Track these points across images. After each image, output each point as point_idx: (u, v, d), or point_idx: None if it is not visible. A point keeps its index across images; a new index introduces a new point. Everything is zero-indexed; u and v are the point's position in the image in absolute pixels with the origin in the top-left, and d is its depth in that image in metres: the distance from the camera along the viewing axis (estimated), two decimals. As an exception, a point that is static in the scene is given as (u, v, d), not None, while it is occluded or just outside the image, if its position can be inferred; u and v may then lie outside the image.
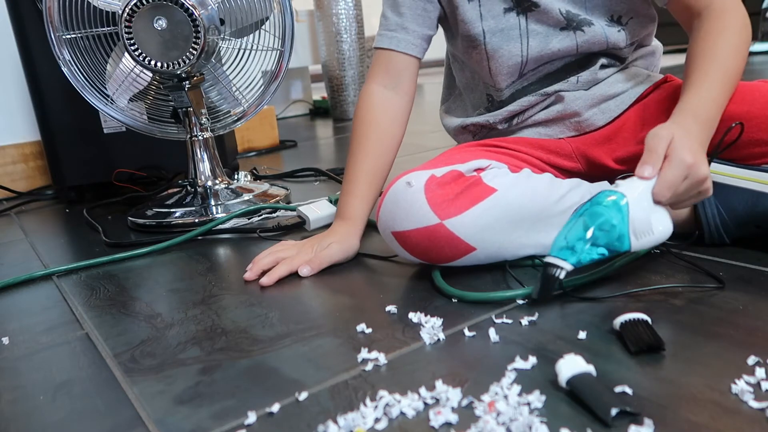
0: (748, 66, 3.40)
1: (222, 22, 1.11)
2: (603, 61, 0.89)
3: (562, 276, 0.64)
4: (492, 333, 0.62)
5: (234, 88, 1.23)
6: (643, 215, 0.65)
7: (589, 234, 0.64)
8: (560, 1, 0.86)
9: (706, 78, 0.73)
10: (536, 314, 0.66)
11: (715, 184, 0.78)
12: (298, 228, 1.08)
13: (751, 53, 4.19)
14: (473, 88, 0.98)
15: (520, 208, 0.75)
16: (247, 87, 1.23)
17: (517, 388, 0.52)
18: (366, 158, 0.90)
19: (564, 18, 0.85)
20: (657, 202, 0.66)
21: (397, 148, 0.93)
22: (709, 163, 0.77)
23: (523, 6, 0.86)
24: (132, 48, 1.07)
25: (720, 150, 0.76)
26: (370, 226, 0.94)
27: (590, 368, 0.51)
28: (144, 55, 1.07)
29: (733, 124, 0.75)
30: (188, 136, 1.22)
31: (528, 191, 0.76)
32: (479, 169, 0.80)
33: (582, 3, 0.86)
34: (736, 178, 0.77)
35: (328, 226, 0.95)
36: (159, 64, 1.08)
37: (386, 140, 0.92)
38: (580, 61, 0.89)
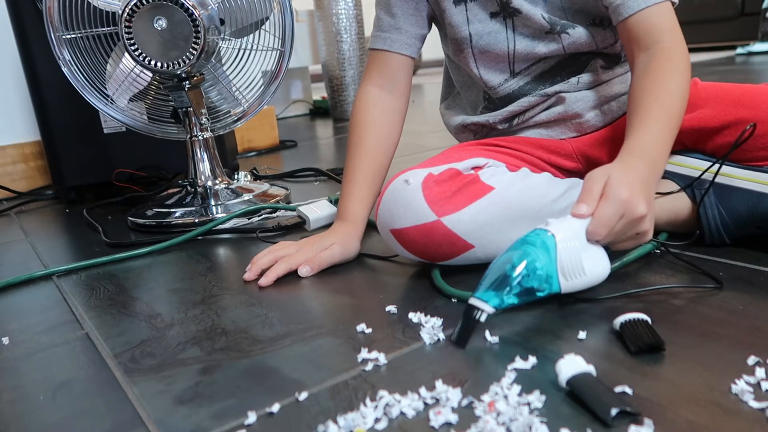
0: (748, 66, 3.40)
1: (222, 22, 1.11)
2: (600, 61, 0.89)
3: (483, 319, 0.60)
4: (492, 333, 0.62)
5: (234, 88, 1.23)
6: (574, 256, 0.62)
7: (513, 274, 0.61)
8: (541, 7, 0.86)
9: (651, 119, 0.71)
10: (536, 314, 0.66)
11: (716, 184, 0.78)
12: (298, 228, 1.08)
13: (751, 53, 4.19)
14: (470, 86, 0.98)
15: (518, 207, 0.75)
16: (247, 87, 1.23)
17: (517, 388, 0.52)
18: (364, 159, 0.90)
19: (547, 23, 0.85)
20: (592, 241, 0.63)
21: (395, 149, 0.94)
22: (721, 166, 0.77)
23: (508, 11, 0.87)
24: (132, 48, 1.07)
25: (729, 151, 0.76)
26: (370, 226, 0.94)
27: (590, 368, 0.51)
28: (144, 55, 1.07)
29: (748, 126, 0.75)
30: (188, 136, 1.22)
31: (526, 190, 0.76)
32: (477, 168, 0.81)
33: (561, 9, 0.86)
34: (737, 179, 0.77)
35: (328, 226, 0.96)
36: (159, 64, 1.08)
37: (383, 141, 0.92)
38: (573, 58, 0.89)
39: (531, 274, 0.61)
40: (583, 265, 0.63)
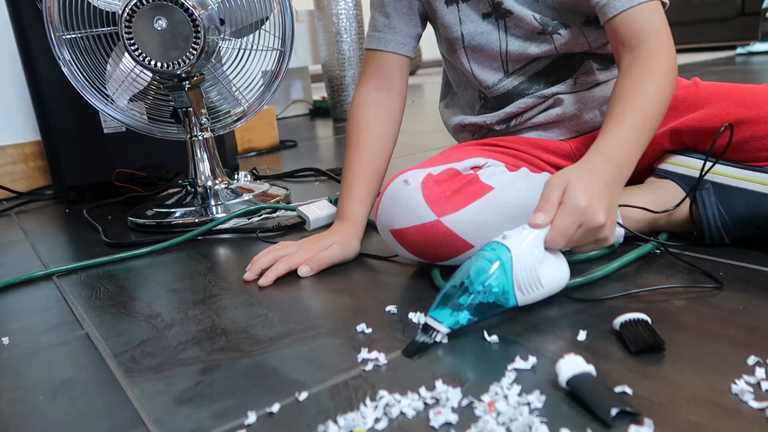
0: (748, 66, 3.40)
1: (222, 22, 1.11)
2: (594, 62, 0.89)
3: (438, 339, 0.61)
4: (492, 333, 0.62)
5: (234, 88, 1.23)
6: (530, 269, 0.61)
7: (468, 292, 0.60)
8: (532, 9, 0.86)
9: (624, 122, 0.70)
10: (536, 314, 0.66)
11: (716, 184, 0.78)
12: (298, 228, 1.08)
13: (751, 53, 4.19)
14: (466, 85, 0.98)
15: (517, 206, 0.75)
16: (247, 87, 1.23)
17: (517, 388, 0.52)
18: (362, 160, 0.91)
19: (539, 23, 0.85)
20: (550, 249, 0.63)
21: (393, 148, 0.94)
22: (712, 165, 0.77)
23: (500, 12, 0.87)
24: (132, 48, 1.07)
25: (721, 153, 0.76)
26: (370, 226, 0.94)
27: (590, 368, 0.51)
28: (144, 55, 1.07)
29: (722, 128, 0.75)
30: (188, 136, 1.22)
31: (525, 189, 0.76)
32: (476, 168, 0.81)
33: (553, 9, 0.86)
34: (737, 179, 0.77)
35: (328, 226, 0.96)
36: (159, 64, 1.08)
37: (381, 141, 0.92)
38: (566, 58, 0.89)
39: (487, 291, 0.60)
40: (540, 278, 0.62)
